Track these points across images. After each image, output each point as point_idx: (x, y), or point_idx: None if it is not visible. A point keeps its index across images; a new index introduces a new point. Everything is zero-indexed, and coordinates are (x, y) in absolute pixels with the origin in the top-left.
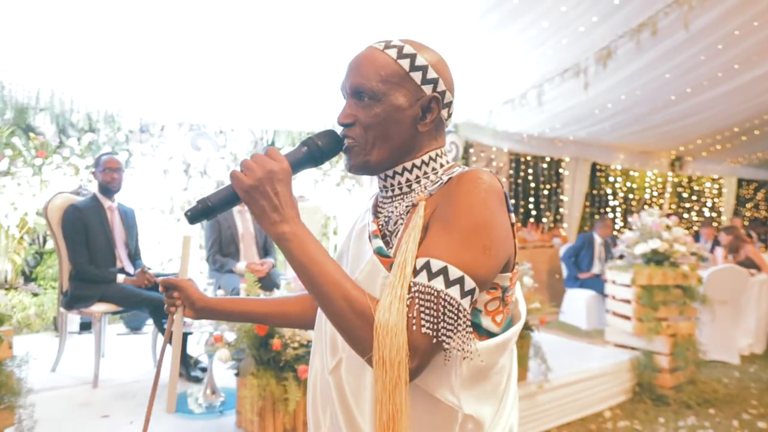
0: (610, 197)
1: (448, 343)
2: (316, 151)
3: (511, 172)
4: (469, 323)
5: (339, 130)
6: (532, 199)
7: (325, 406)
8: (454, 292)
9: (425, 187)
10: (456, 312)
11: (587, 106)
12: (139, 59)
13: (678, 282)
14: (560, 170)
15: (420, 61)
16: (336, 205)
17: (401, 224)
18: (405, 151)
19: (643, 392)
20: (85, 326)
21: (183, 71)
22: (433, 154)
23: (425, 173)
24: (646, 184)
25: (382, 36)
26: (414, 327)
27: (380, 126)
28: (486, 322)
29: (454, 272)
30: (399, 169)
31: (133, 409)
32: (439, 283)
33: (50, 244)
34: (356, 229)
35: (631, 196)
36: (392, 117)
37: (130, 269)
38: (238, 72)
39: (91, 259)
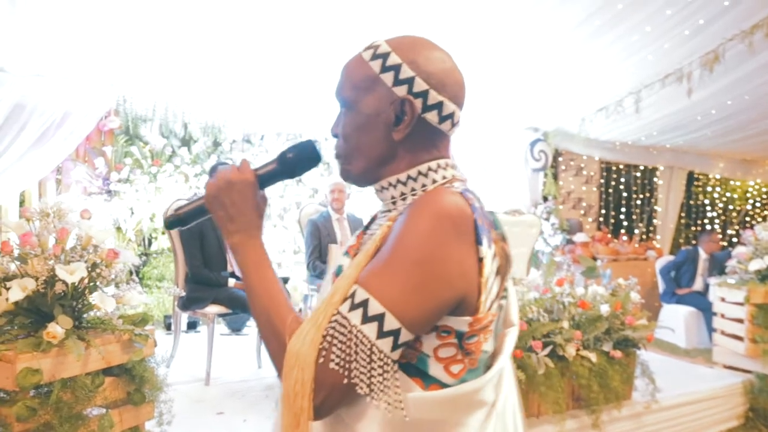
0: (708, 208)
1: (362, 387)
2: (287, 163)
3: (602, 180)
4: (387, 368)
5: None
6: (623, 210)
7: None
8: (369, 329)
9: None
10: (368, 353)
11: (689, 112)
12: (240, 74)
13: None
14: (654, 179)
15: (393, 60)
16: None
17: (373, 235)
18: (383, 163)
19: (758, 418)
20: (191, 326)
21: (282, 85)
22: (423, 168)
23: (413, 189)
24: (748, 195)
25: (468, 42)
26: (322, 360)
27: (353, 136)
28: (435, 370)
29: (375, 307)
30: (385, 183)
31: (245, 407)
32: (355, 316)
33: (155, 247)
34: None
35: (731, 207)
36: (362, 125)
37: (239, 273)
38: (332, 82)
39: (205, 262)
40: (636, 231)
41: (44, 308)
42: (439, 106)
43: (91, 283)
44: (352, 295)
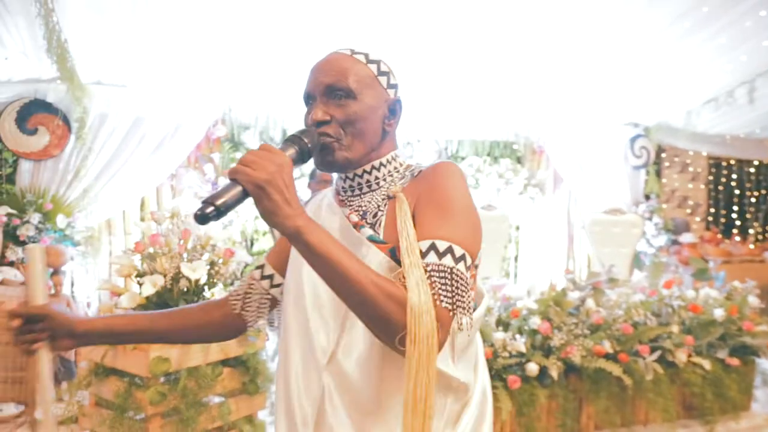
0: None
1: (466, 315)
2: (306, 149)
3: (711, 177)
4: (472, 296)
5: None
6: (735, 208)
7: (309, 400)
8: (462, 267)
9: (394, 182)
10: (465, 285)
11: None
12: None
13: None
14: None
15: (384, 67)
16: (518, 213)
17: (381, 215)
18: (373, 149)
19: None
20: None
21: None
22: (394, 153)
23: (389, 171)
24: None
25: (572, 41)
26: (437, 303)
27: (358, 123)
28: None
29: (458, 250)
30: (368, 167)
31: None
32: (449, 260)
33: (256, 248)
34: (327, 220)
35: None
36: (367, 115)
37: None
38: (422, 83)
39: None
40: (751, 231)
41: (171, 302)
42: (401, 110)
43: (210, 280)
44: (434, 247)
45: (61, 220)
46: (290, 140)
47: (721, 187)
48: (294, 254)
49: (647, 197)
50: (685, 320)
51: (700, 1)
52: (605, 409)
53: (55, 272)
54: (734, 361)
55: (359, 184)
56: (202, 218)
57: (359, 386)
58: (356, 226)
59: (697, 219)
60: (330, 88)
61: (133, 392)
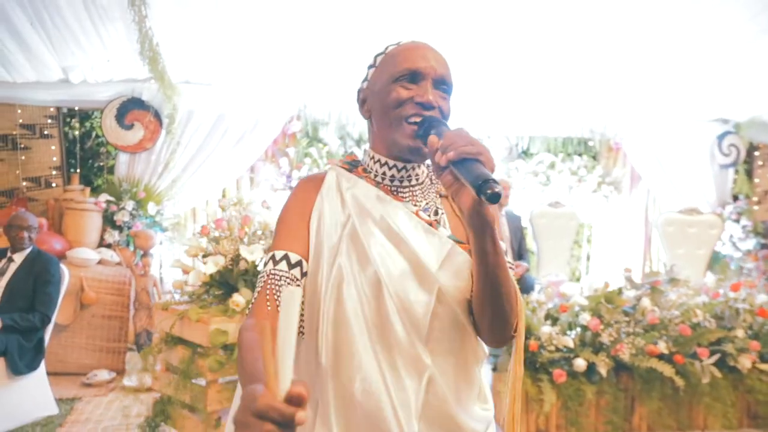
0: None
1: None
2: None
3: None
4: None
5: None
6: None
7: (405, 407)
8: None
9: (431, 179)
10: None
11: None
12: None
13: None
14: None
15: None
16: (591, 212)
17: (442, 214)
18: None
19: None
20: None
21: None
22: None
23: (428, 169)
24: None
25: (653, 32)
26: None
27: (446, 117)
28: None
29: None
30: (424, 161)
31: None
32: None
33: None
34: (381, 207)
35: None
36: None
37: None
38: (494, 79)
39: None
40: None
41: (231, 281)
42: None
43: None
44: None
45: (151, 208)
46: (436, 124)
47: None
48: (352, 241)
49: (735, 198)
50: (753, 325)
51: None
52: (657, 411)
53: (145, 254)
54: None
55: (409, 176)
56: (497, 197)
57: (450, 400)
58: (431, 224)
59: None
60: (441, 79)
61: (195, 360)
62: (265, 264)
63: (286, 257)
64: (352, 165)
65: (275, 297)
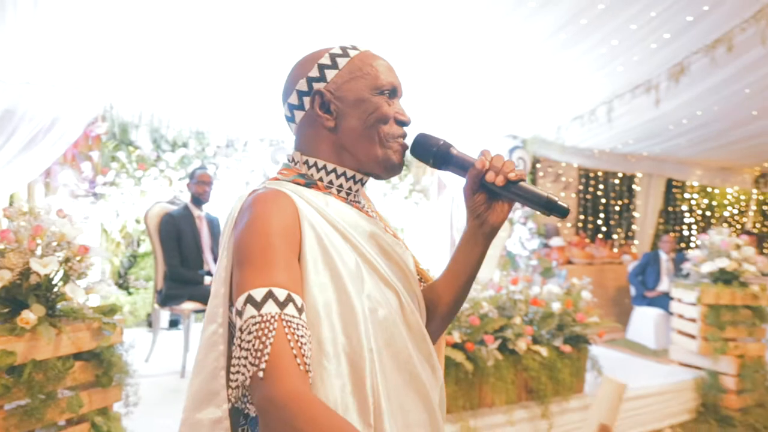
0: (687, 214)
1: None
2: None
3: (581, 187)
4: None
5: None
6: (602, 215)
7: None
8: None
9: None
10: None
11: (660, 121)
12: (226, 82)
13: (747, 302)
14: (633, 186)
15: None
16: (403, 218)
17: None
18: None
19: (708, 413)
20: (173, 323)
21: (265, 91)
22: None
23: None
24: (726, 202)
25: (456, 53)
26: None
27: None
28: None
29: None
30: None
31: None
32: None
33: (143, 248)
34: (367, 225)
35: (709, 213)
36: None
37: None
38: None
39: (182, 261)
40: (615, 236)
41: (19, 296)
42: None
43: (65, 276)
44: None
45: None
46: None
47: (589, 196)
48: (368, 265)
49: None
50: (529, 313)
51: (562, 29)
52: (453, 395)
53: None
54: (567, 348)
55: (358, 189)
56: (568, 211)
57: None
58: (394, 235)
59: (568, 225)
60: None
61: None
62: (261, 303)
63: (291, 299)
64: (309, 181)
65: (302, 353)
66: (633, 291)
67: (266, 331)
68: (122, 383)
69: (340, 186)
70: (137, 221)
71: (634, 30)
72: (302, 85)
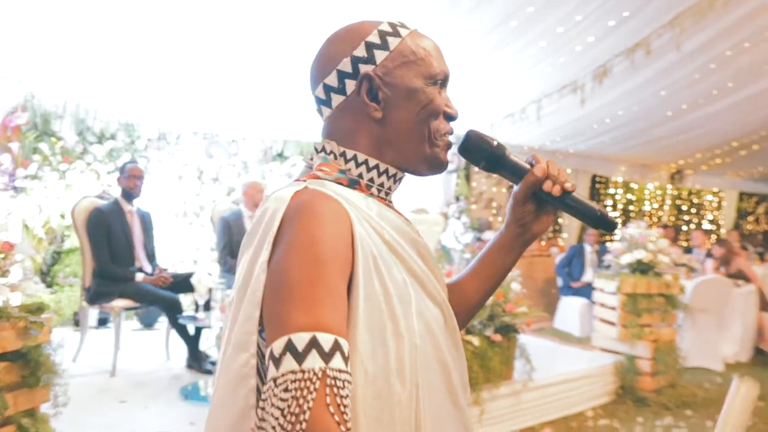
0: (610, 208)
1: None
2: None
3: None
4: None
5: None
6: None
7: None
8: None
9: None
10: None
11: (585, 120)
12: (157, 72)
13: (661, 291)
14: None
15: None
16: None
17: None
18: None
19: (626, 394)
20: (102, 322)
21: (198, 83)
22: None
23: None
24: (646, 197)
25: None
26: None
27: None
28: None
29: None
30: None
31: (147, 396)
32: None
33: (68, 244)
34: (409, 231)
35: (631, 207)
36: None
37: (147, 269)
38: (249, 83)
39: (112, 258)
40: None
41: None
42: None
43: None
44: None
45: None
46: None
47: None
48: (418, 282)
49: (458, 199)
50: None
51: (493, 30)
52: None
53: None
54: (497, 338)
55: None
56: (615, 225)
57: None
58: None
59: (500, 219)
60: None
61: None
62: (303, 354)
63: (337, 347)
64: (352, 179)
65: (344, 417)
66: (560, 282)
67: (306, 392)
68: (50, 384)
69: (381, 185)
70: (62, 216)
71: (560, 33)
72: (345, 65)
